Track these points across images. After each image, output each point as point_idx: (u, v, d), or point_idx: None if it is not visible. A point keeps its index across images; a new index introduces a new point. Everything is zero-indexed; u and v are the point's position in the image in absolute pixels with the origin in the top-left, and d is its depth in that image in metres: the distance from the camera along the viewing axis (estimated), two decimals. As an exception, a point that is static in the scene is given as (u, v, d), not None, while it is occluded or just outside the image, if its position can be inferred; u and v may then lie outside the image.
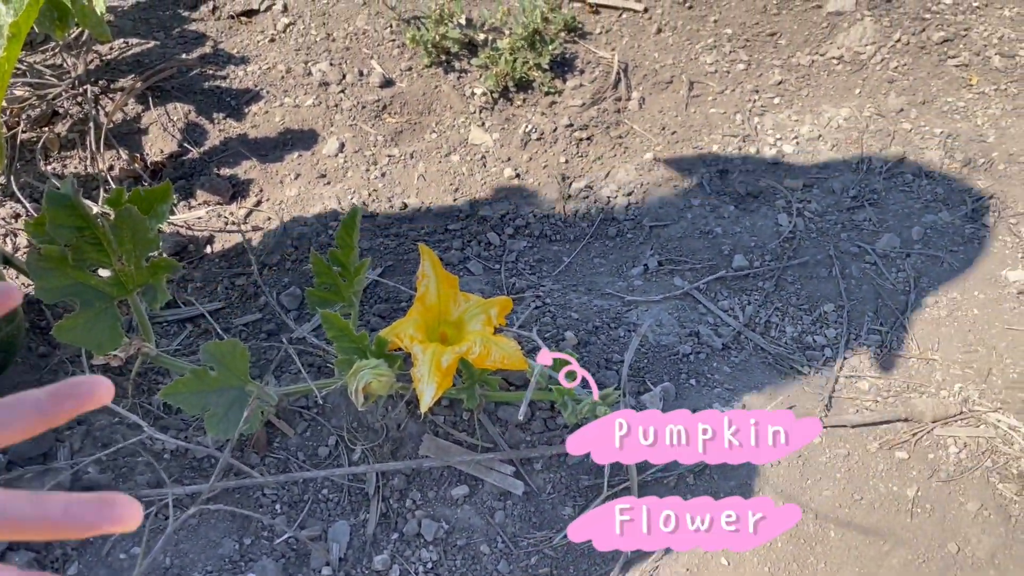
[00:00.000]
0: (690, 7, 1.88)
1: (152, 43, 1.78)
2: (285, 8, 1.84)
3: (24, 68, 1.67)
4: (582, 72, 1.77)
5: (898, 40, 1.83)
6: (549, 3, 1.77)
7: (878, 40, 1.83)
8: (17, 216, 1.48)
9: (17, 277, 1.37)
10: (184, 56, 1.76)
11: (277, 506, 1.17)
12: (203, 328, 1.36)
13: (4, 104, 1.56)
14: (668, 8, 1.87)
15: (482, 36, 1.78)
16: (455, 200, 1.59)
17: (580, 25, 1.83)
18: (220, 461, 1.10)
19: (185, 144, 1.64)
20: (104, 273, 1.07)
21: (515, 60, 1.69)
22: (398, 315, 1.36)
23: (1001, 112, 1.72)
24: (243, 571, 1.10)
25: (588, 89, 1.74)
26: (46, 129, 1.61)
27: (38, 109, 1.62)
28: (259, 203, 1.58)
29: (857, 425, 1.26)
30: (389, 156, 1.65)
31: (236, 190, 1.59)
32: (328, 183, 1.60)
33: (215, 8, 1.86)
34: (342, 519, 1.16)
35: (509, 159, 1.66)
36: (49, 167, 1.57)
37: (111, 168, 1.58)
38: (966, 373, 1.33)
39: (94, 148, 1.58)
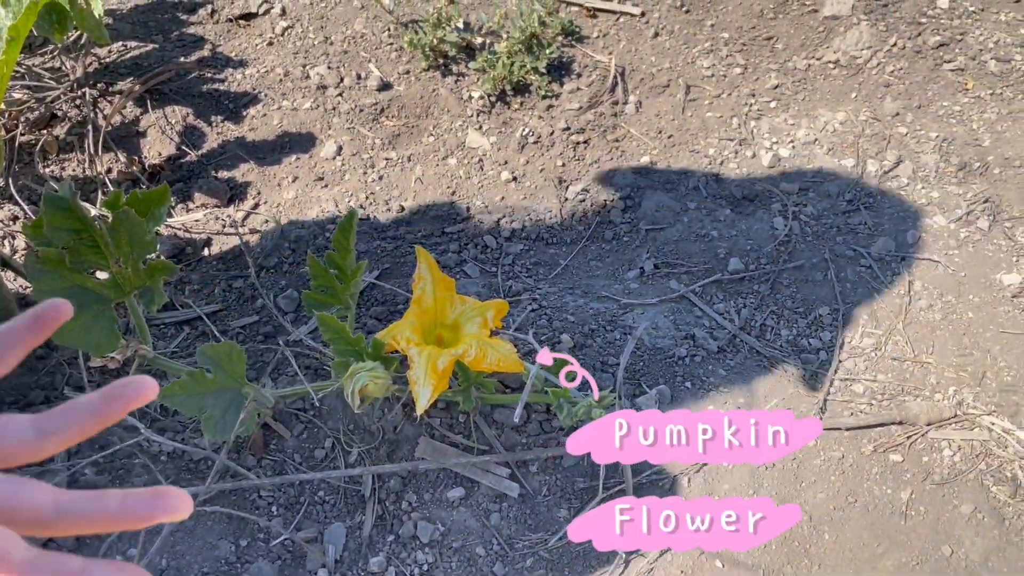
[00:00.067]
0: (687, 11, 1.89)
1: (150, 46, 1.79)
2: (283, 12, 1.85)
3: (23, 71, 1.68)
4: (579, 76, 1.77)
5: (894, 44, 1.84)
6: (546, 7, 1.78)
7: (874, 44, 1.84)
8: (15, 218, 1.48)
9: (15, 279, 1.38)
10: (182, 59, 1.77)
11: (273, 508, 1.17)
12: (200, 330, 1.37)
13: (3, 107, 1.57)
14: (665, 12, 1.88)
15: (479, 40, 1.79)
16: (452, 203, 1.59)
17: (577, 29, 1.83)
18: (216, 463, 1.10)
19: (183, 147, 1.64)
20: (102, 275, 1.07)
21: (512, 64, 1.70)
22: (395, 318, 1.37)
23: (997, 116, 1.73)
24: (239, 573, 1.11)
25: (585, 93, 1.74)
26: (44, 132, 1.61)
27: (37, 112, 1.63)
28: (256, 206, 1.58)
29: (852, 428, 1.26)
30: (386, 159, 1.65)
31: (234, 193, 1.60)
32: (325, 186, 1.61)
33: (213, 11, 1.86)
34: (338, 521, 1.16)
35: (506, 162, 1.66)
36: (47, 169, 1.57)
37: (109, 171, 1.58)
38: (960, 376, 1.34)
39: (92, 151, 1.58)
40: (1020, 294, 1.44)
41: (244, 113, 1.70)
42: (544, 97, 1.73)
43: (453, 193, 1.61)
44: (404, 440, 1.23)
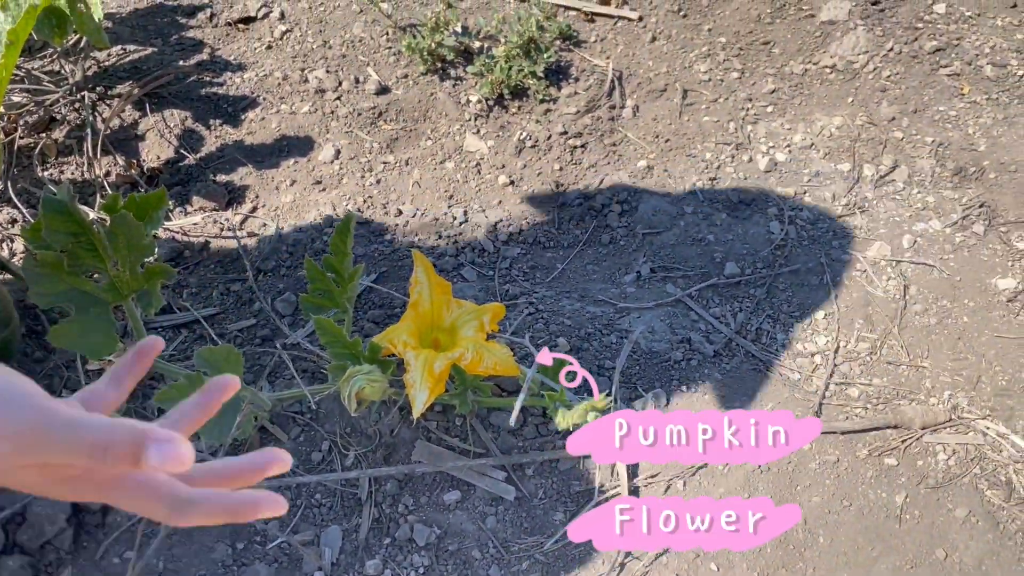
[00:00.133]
0: (684, 16, 1.90)
1: (150, 50, 1.79)
2: (282, 15, 1.85)
3: (22, 74, 1.68)
4: (577, 80, 1.78)
5: (891, 49, 1.85)
6: (544, 11, 1.78)
7: (871, 49, 1.85)
8: (14, 221, 1.49)
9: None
10: (181, 63, 1.77)
11: (270, 511, 1.17)
12: (198, 333, 1.37)
13: (2, 110, 1.57)
14: (663, 17, 1.89)
15: (477, 44, 1.80)
16: (450, 207, 1.60)
17: (575, 33, 1.84)
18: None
19: (182, 150, 1.65)
20: (100, 279, 1.08)
21: (510, 68, 1.70)
22: (392, 321, 1.37)
23: (992, 121, 1.73)
24: None
25: (583, 97, 1.75)
26: (43, 135, 1.62)
27: (36, 115, 1.63)
28: (255, 209, 1.59)
29: (847, 432, 1.27)
30: (384, 163, 1.66)
31: (232, 196, 1.60)
32: (323, 189, 1.61)
33: (212, 15, 1.87)
34: (335, 524, 1.17)
35: (504, 166, 1.67)
36: (46, 173, 1.58)
37: (108, 174, 1.59)
38: (955, 380, 1.34)
39: (91, 154, 1.59)
40: (1015, 298, 1.45)
41: (243, 117, 1.70)
42: (542, 101, 1.74)
43: (451, 197, 1.62)
44: (401, 443, 1.23)
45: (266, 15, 1.86)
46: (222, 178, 1.62)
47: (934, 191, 1.63)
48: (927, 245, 1.54)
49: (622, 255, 1.55)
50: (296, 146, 1.67)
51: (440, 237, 1.55)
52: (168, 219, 1.54)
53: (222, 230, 1.54)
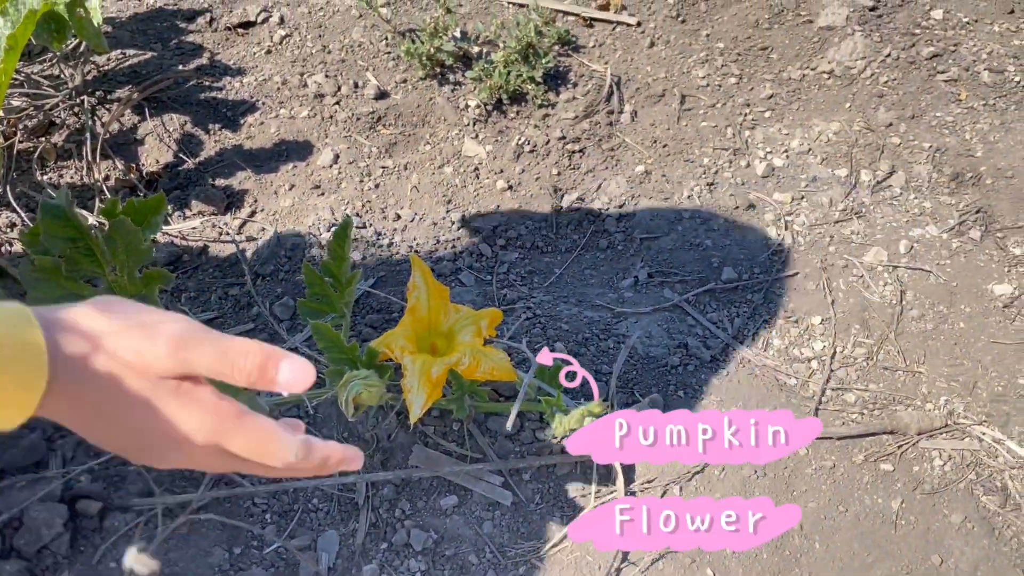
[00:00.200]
0: (683, 21, 1.90)
1: (149, 54, 1.80)
2: (282, 20, 1.86)
3: (21, 79, 1.69)
4: (575, 85, 1.78)
5: (888, 55, 1.85)
6: (543, 17, 1.79)
7: (868, 55, 1.85)
8: (12, 226, 1.49)
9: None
10: (181, 67, 1.78)
11: (267, 516, 1.17)
12: (196, 338, 1.37)
13: (1, 114, 1.58)
14: (661, 22, 1.89)
15: (476, 49, 1.80)
16: (448, 211, 1.60)
17: (574, 39, 1.85)
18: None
19: (181, 155, 1.65)
20: (98, 284, 1.08)
21: (509, 73, 1.71)
22: (389, 326, 1.38)
23: (989, 127, 1.74)
24: (233, 580, 1.11)
25: (581, 102, 1.75)
26: (43, 139, 1.62)
27: (35, 119, 1.64)
28: (253, 213, 1.59)
29: (843, 437, 1.27)
30: (383, 167, 1.66)
31: (231, 200, 1.60)
32: (322, 194, 1.61)
33: (212, 20, 1.87)
34: (331, 529, 1.17)
35: (502, 171, 1.67)
36: (45, 177, 1.58)
37: (107, 178, 1.59)
38: (952, 386, 1.35)
39: (90, 158, 1.59)
40: (1011, 304, 1.45)
41: (242, 121, 1.71)
42: (540, 106, 1.74)
43: (449, 201, 1.62)
44: (398, 448, 1.23)
45: (265, 20, 1.86)
46: (221, 182, 1.62)
47: (931, 197, 1.63)
48: (924, 251, 1.54)
49: (620, 260, 1.55)
50: (295, 150, 1.67)
51: (438, 242, 1.55)
52: (167, 223, 1.55)
53: (220, 234, 1.54)
